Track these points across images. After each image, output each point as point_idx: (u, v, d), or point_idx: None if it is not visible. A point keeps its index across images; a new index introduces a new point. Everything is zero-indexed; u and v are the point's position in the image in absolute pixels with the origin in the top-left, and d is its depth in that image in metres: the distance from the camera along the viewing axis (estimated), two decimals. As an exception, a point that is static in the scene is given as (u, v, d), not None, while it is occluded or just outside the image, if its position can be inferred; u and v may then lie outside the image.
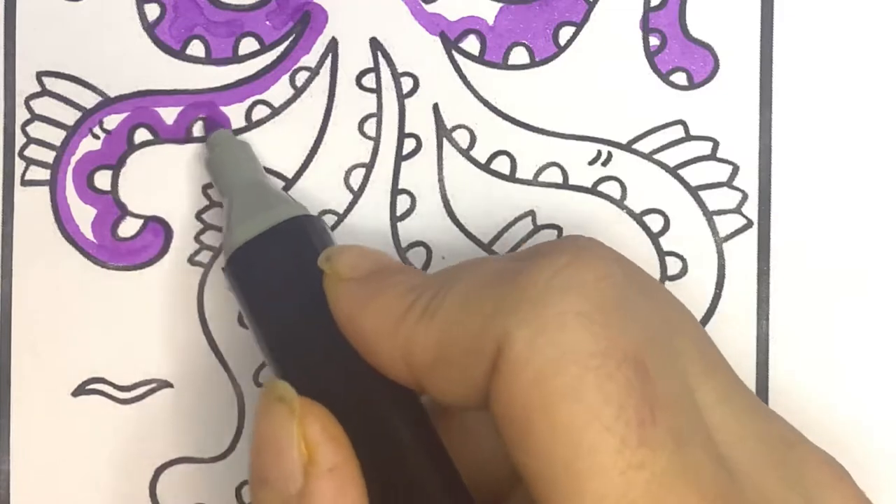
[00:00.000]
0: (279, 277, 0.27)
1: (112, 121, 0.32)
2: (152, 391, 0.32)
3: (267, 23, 0.32)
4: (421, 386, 0.24)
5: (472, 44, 0.32)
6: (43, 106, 0.32)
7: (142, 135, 0.32)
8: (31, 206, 0.32)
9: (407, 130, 0.32)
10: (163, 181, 0.32)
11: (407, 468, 0.24)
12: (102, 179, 0.32)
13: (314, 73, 0.32)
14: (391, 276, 0.25)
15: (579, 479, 0.21)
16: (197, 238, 0.32)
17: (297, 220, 0.28)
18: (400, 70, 0.32)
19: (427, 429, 0.25)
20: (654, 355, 0.22)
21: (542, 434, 0.21)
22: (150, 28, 0.32)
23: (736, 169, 0.32)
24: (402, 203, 0.32)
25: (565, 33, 0.32)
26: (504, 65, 0.32)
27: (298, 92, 0.32)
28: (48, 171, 0.32)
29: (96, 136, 0.32)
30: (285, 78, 0.32)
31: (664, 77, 0.32)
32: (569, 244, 0.24)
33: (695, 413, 0.22)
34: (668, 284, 0.32)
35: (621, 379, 0.21)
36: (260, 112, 0.32)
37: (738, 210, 0.32)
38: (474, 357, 0.22)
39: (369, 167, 0.32)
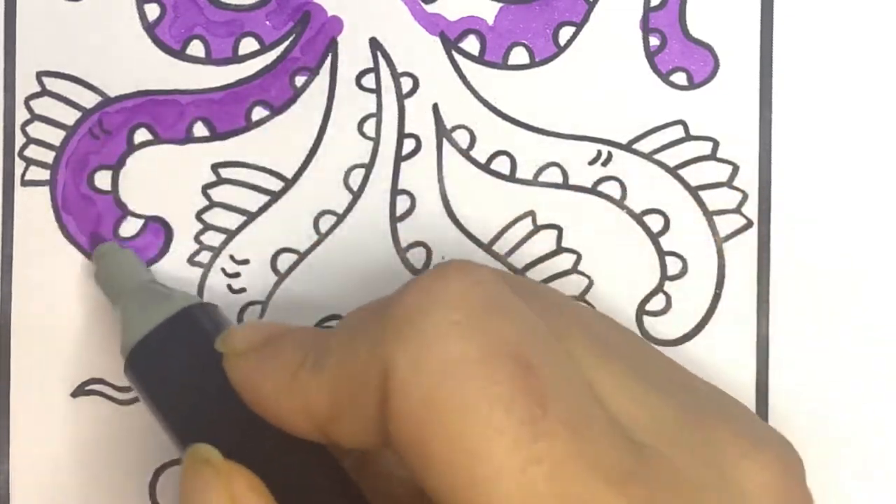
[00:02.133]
0: (179, 367, 0.28)
1: (112, 121, 0.32)
2: (152, 391, 0.32)
3: (267, 23, 0.32)
4: (326, 436, 0.24)
5: (471, 44, 0.32)
6: (43, 106, 0.32)
7: (142, 135, 0.32)
8: (31, 206, 0.32)
9: (407, 130, 0.32)
10: (163, 181, 0.32)
11: None
12: (102, 179, 0.32)
13: (314, 73, 0.32)
14: (282, 338, 0.25)
15: (483, 485, 0.21)
16: (197, 238, 0.32)
17: (188, 310, 0.28)
18: (400, 70, 0.32)
19: (343, 479, 0.26)
20: (537, 351, 0.22)
21: (440, 450, 0.21)
22: (150, 28, 0.32)
23: (736, 169, 0.32)
24: (402, 203, 0.32)
25: (565, 33, 0.32)
26: (504, 65, 0.32)
27: (298, 92, 0.32)
28: (48, 172, 0.32)
29: (96, 137, 0.32)
30: (285, 78, 0.32)
31: (664, 77, 0.32)
32: (437, 266, 0.24)
33: (589, 401, 0.22)
34: (667, 284, 0.32)
35: (504, 379, 0.21)
36: (260, 112, 0.32)
37: (738, 210, 0.32)
38: (365, 393, 0.22)
39: (369, 167, 0.32)
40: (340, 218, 0.32)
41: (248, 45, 0.32)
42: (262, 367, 0.25)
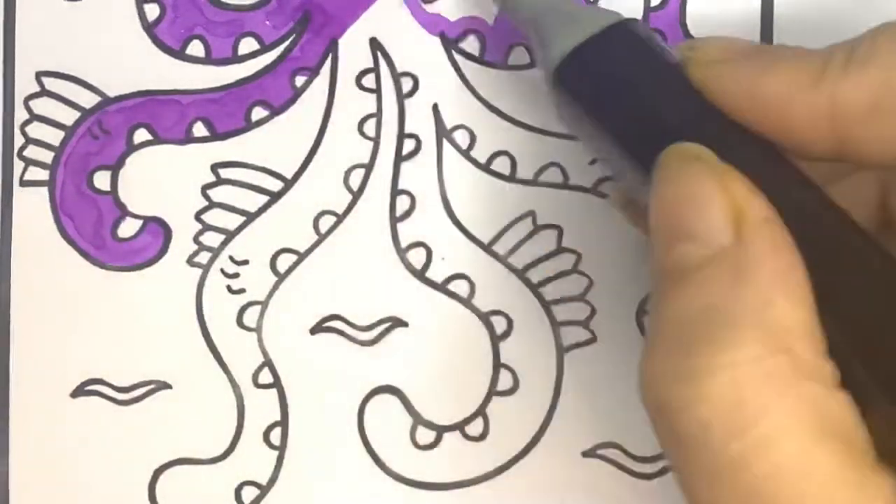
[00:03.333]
0: (619, 78, 0.26)
1: (111, 121, 0.32)
2: (151, 392, 0.32)
3: (267, 23, 0.32)
4: (845, 143, 0.23)
5: (472, 44, 0.32)
6: (42, 106, 0.32)
7: (141, 135, 0.32)
8: (30, 206, 0.32)
9: (407, 131, 0.32)
10: (162, 181, 0.32)
11: (824, 228, 0.23)
12: (102, 180, 0.32)
13: (314, 73, 0.32)
14: (779, 48, 0.24)
15: None
16: (196, 239, 0.32)
17: (622, 23, 0.26)
18: (400, 70, 0.32)
19: (828, 197, 0.24)
20: None
21: None
22: (149, 28, 0.32)
23: (736, 169, 0.31)
24: (402, 203, 0.32)
25: (565, 33, 0.32)
26: (504, 65, 0.32)
27: (298, 92, 0.32)
28: (47, 172, 0.32)
29: (95, 137, 0.32)
30: (285, 78, 0.32)
31: (664, 77, 0.32)
32: None
33: None
34: (668, 285, 0.32)
35: None
36: (260, 112, 0.32)
37: (738, 210, 0.31)
38: None
39: (369, 167, 0.32)
40: (340, 218, 0.32)
41: (247, 45, 0.32)
42: (763, 70, 0.23)
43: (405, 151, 0.32)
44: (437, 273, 0.32)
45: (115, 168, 0.32)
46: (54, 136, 0.32)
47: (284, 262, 0.32)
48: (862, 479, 0.20)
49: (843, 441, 0.20)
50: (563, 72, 0.26)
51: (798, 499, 0.20)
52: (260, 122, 0.32)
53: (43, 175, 0.32)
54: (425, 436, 0.32)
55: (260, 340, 0.32)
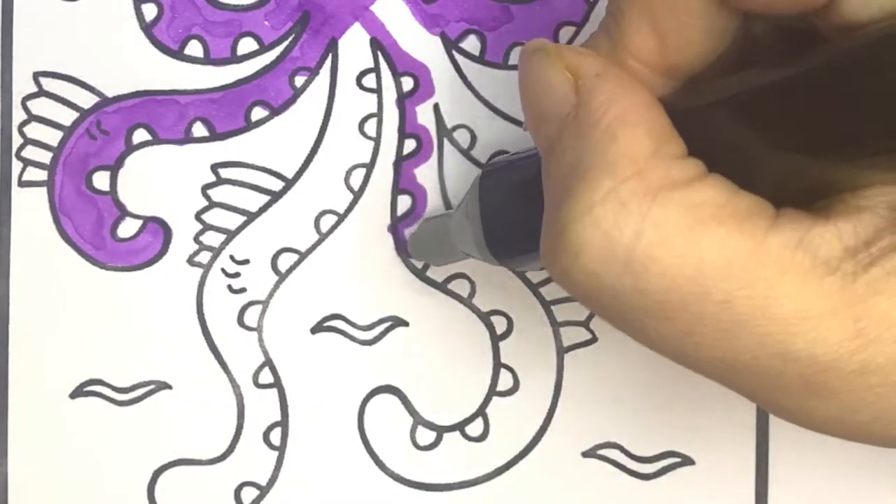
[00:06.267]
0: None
1: (110, 121, 0.32)
2: (151, 393, 0.32)
3: (266, 23, 0.32)
4: None
5: (472, 43, 0.32)
6: (40, 106, 0.32)
7: (140, 135, 0.32)
8: (29, 207, 0.32)
9: (407, 130, 0.32)
10: (162, 182, 0.32)
11: None
12: (101, 180, 0.32)
13: (314, 73, 0.32)
14: None
15: None
16: (196, 238, 0.32)
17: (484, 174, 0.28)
18: (400, 70, 0.32)
19: None
20: None
21: None
22: (147, 28, 0.32)
23: (736, 169, 0.32)
24: (403, 203, 0.32)
25: (565, 33, 0.32)
26: (504, 65, 0.32)
27: (298, 92, 0.32)
28: (45, 172, 0.32)
29: (94, 137, 0.32)
30: (285, 78, 0.32)
31: (664, 77, 0.32)
32: None
33: None
34: (668, 284, 0.32)
35: None
36: (259, 112, 0.32)
37: (737, 210, 0.32)
38: None
39: (369, 167, 0.32)
40: (341, 218, 0.32)
41: (246, 45, 0.32)
42: None
43: (406, 151, 0.32)
44: (437, 273, 0.32)
45: (115, 168, 0.32)
46: (53, 137, 0.32)
47: (285, 261, 0.32)
48: (757, 243, 0.20)
49: (726, 218, 0.21)
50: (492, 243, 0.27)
51: (703, 294, 0.20)
52: (260, 122, 0.32)
53: (41, 175, 0.32)
54: (425, 436, 0.32)
55: (260, 340, 0.32)
